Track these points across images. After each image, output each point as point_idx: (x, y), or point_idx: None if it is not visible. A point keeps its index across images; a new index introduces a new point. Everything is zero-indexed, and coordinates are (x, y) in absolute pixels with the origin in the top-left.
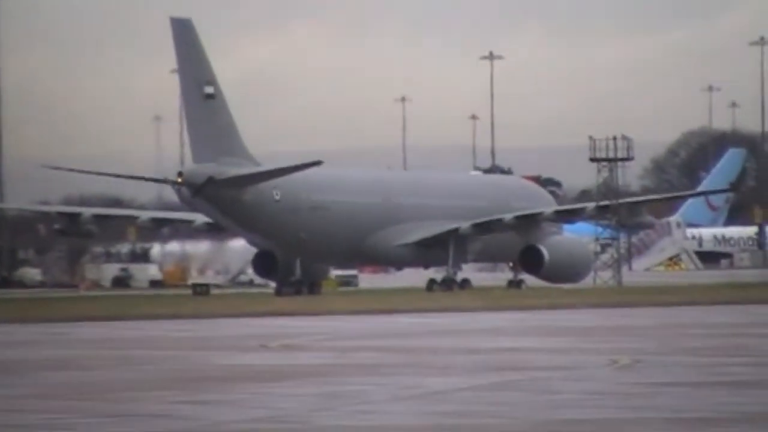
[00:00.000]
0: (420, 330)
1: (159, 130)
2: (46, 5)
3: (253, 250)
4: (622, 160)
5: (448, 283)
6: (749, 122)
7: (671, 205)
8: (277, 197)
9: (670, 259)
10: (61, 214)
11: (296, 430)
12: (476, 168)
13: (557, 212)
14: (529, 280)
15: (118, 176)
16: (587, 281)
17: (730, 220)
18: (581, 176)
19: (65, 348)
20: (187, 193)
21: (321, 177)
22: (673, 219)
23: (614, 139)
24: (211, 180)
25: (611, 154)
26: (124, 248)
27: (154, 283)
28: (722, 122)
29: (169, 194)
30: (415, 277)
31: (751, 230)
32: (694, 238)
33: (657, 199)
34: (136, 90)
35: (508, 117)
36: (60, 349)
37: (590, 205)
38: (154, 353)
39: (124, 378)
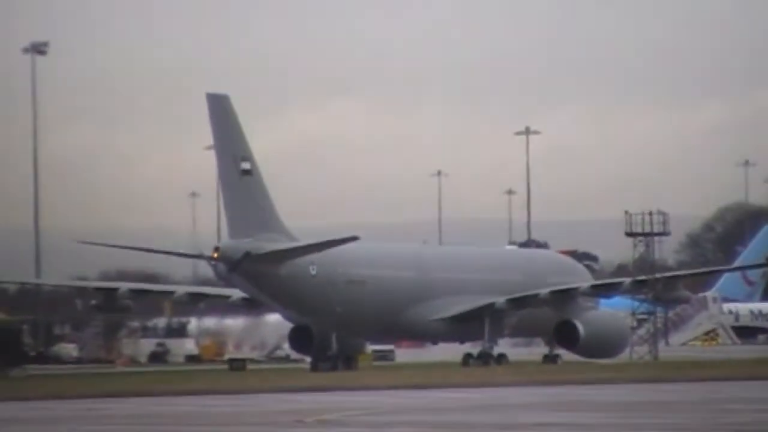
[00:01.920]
0: (456, 405)
1: (195, 206)
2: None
3: (289, 325)
4: (658, 234)
5: (484, 358)
6: None
7: (707, 279)
8: (314, 272)
9: (707, 333)
10: (97, 289)
11: None
12: (512, 242)
13: (593, 287)
14: (565, 355)
15: (155, 251)
16: (624, 356)
17: (767, 295)
18: (617, 251)
19: (102, 424)
20: (224, 269)
21: (357, 252)
22: (710, 294)
23: (650, 213)
24: (247, 255)
25: (647, 229)
26: (161, 323)
27: (191, 358)
28: (758, 197)
29: (205, 269)
30: (452, 351)
31: None
32: (730, 312)
33: (693, 274)
34: (173, 166)
35: (544, 191)
36: (97, 426)
37: (627, 279)
38: (191, 429)
39: None
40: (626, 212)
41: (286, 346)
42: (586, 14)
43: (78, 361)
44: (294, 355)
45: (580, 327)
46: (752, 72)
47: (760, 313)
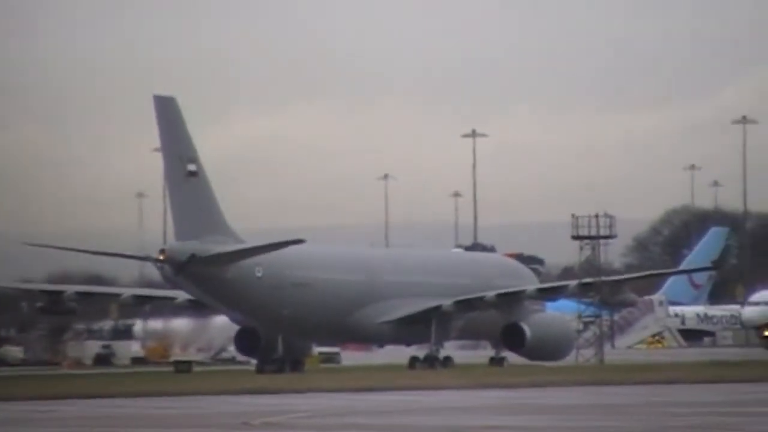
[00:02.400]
0: (402, 408)
1: (142, 207)
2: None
3: (236, 327)
4: (605, 237)
5: (430, 361)
6: (731, 201)
7: (654, 282)
8: (260, 274)
9: (653, 336)
10: (43, 291)
11: None
12: (458, 245)
13: (539, 290)
14: (512, 357)
15: (101, 253)
16: (569, 359)
17: (713, 298)
18: (564, 254)
19: (47, 427)
20: (170, 271)
21: (303, 254)
22: (656, 297)
23: (596, 216)
24: (193, 257)
25: (594, 232)
26: (107, 325)
27: (137, 360)
28: (704, 200)
29: (151, 271)
30: (398, 354)
31: (733, 308)
32: (676, 315)
33: (639, 277)
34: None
35: (490, 194)
36: (42, 428)
37: (573, 282)
38: (136, 431)
39: None
40: (573, 215)
41: (232, 348)
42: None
43: (23, 363)
44: (240, 357)
45: (527, 330)
46: (698, 78)
47: (706, 316)
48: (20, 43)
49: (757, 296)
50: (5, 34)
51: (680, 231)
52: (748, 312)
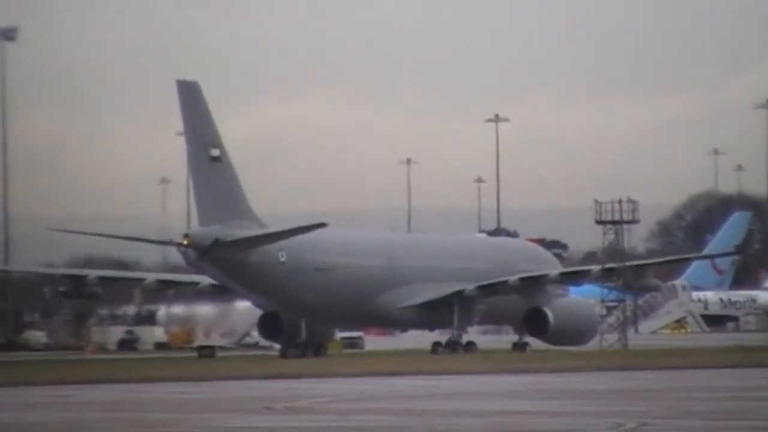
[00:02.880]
0: (424, 393)
1: (165, 192)
2: (54, 64)
3: (259, 312)
4: (628, 222)
5: (452, 346)
6: (754, 185)
7: (677, 268)
8: (283, 259)
9: (676, 321)
10: (66, 276)
11: None
12: (481, 230)
13: (562, 274)
14: (534, 342)
15: (125, 238)
16: (593, 344)
17: (736, 283)
18: (587, 239)
19: (71, 411)
20: (193, 256)
21: (326, 239)
22: (679, 282)
23: (620, 202)
24: (217, 242)
25: (617, 217)
26: (130, 311)
27: (160, 346)
28: (728, 185)
29: (175, 256)
30: (421, 339)
31: (756, 294)
32: (699, 301)
33: (663, 262)
34: (144, 152)
35: (513, 180)
36: (66, 413)
37: (596, 267)
38: (159, 416)
39: None
40: (596, 200)
41: (256, 333)
42: (557, 1)
43: (47, 348)
44: (263, 342)
45: (550, 314)
46: (721, 63)
47: (729, 302)
48: (41, 27)
49: None
50: (32, 19)
51: (703, 216)
52: (766, 296)
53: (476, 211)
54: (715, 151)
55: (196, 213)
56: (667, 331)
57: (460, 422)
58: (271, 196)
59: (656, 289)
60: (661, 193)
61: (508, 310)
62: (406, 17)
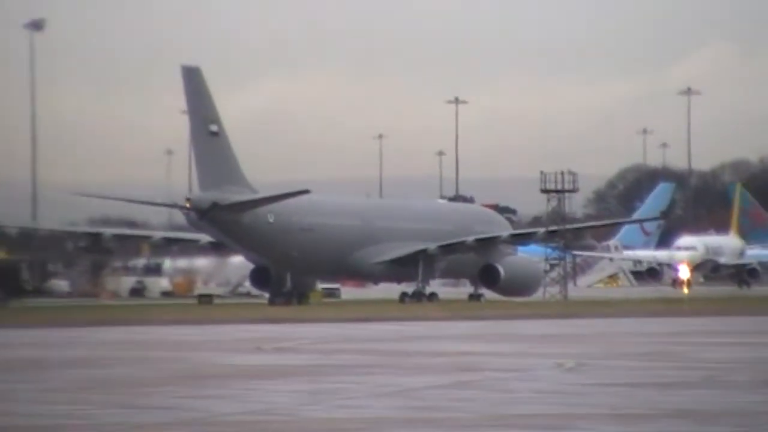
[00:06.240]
0: (393, 336)
1: (170, 162)
2: (79, 47)
3: (251, 266)
4: (569, 191)
5: (417, 296)
6: (678, 160)
7: (610, 230)
8: (272, 220)
9: (610, 276)
10: (85, 233)
11: (286, 421)
12: (442, 197)
13: (512, 236)
14: (488, 294)
15: (136, 201)
16: (538, 295)
17: (661, 244)
18: (534, 205)
19: (88, 349)
20: (194, 217)
21: (309, 203)
22: (612, 242)
23: (562, 173)
24: (215, 205)
25: (559, 186)
26: (140, 263)
27: (165, 294)
28: (654, 160)
29: (178, 217)
30: (390, 290)
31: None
32: (630, 259)
33: (598, 225)
34: (152, 127)
35: (470, 152)
36: (83, 350)
37: (541, 230)
38: (164, 354)
39: (137, 375)
40: (541, 172)
41: (248, 283)
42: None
43: (69, 295)
44: (254, 291)
45: (501, 270)
46: (654, 55)
47: (655, 260)
48: (66, 19)
49: (681, 242)
50: (59, 11)
51: (633, 186)
52: (678, 255)
53: (438, 180)
54: (644, 131)
55: (197, 180)
56: (602, 285)
57: (424, 361)
58: (262, 166)
59: (592, 248)
60: (598, 165)
61: (466, 266)
62: (388, 7)
